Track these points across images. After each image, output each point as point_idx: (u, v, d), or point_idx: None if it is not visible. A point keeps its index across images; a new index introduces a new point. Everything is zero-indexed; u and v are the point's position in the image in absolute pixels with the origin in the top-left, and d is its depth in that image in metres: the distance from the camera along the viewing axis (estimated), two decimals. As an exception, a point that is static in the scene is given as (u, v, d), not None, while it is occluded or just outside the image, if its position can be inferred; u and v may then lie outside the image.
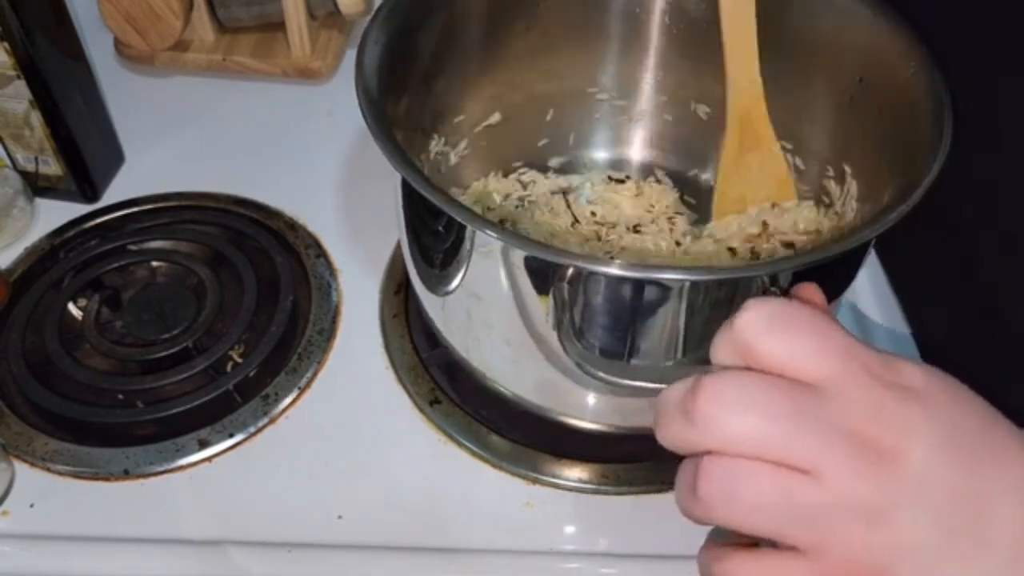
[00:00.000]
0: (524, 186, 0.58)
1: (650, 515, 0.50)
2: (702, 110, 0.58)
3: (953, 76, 0.42)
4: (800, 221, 0.53)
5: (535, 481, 0.51)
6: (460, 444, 0.52)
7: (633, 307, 0.38)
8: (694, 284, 0.37)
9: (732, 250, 0.53)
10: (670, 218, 0.57)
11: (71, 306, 0.58)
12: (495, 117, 0.57)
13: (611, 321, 0.39)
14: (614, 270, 0.35)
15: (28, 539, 0.48)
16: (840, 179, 0.51)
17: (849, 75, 0.49)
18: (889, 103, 0.46)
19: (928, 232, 0.56)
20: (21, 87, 0.58)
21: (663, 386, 0.30)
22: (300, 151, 0.70)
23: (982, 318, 0.51)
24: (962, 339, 0.54)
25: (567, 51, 0.56)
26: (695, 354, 0.41)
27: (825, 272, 0.41)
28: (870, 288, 0.61)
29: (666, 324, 0.39)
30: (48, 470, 0.51)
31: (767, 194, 0.54)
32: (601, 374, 0.36)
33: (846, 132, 0.50)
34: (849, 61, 0.49)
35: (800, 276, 0.39)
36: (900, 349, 0.58)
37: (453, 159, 0.56)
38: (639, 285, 0.37)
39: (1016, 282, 0.48)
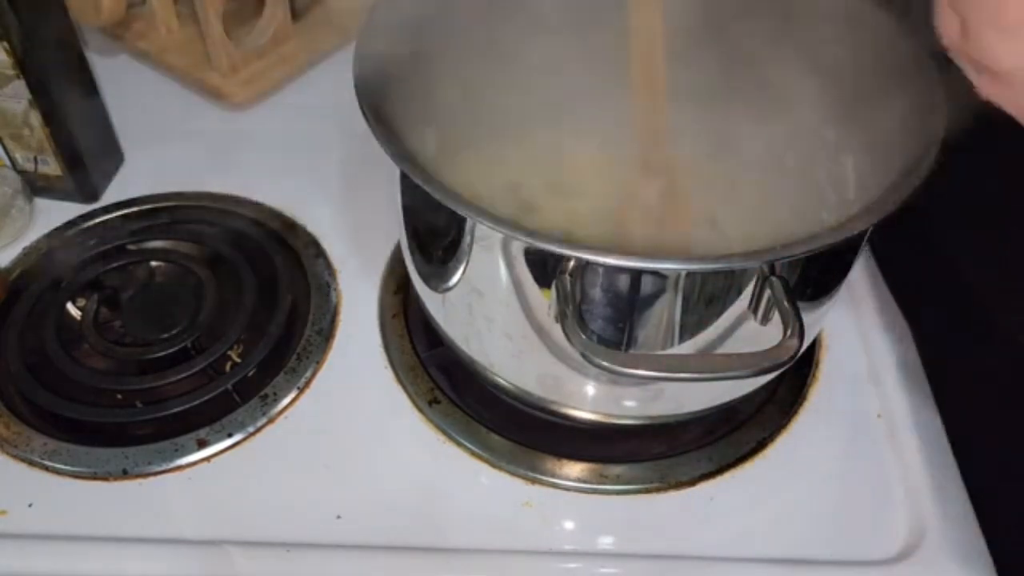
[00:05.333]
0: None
1: (649, 515, 0.50)
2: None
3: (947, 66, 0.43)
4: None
5: (534, 481, 0.51)
6: (459, 444, 0.52)
7: (634, 296, 0.39)
8: (693, 273, 0.38)
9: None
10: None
11: (70, 306, 0.58)
12: (497, 114, 0.57)
13: (613, 311, 0.39)
14: (615, 260, 0.36)
15: (26, 539, 0.48)
16: (838, 172, 0.51)
17: (843, 68, 0.49)
18: (883, 96, 0.46)
19: (924, 232, 0.56)
20: (20, 87, 0.58)
21: (666, 374, 0.30)
22: (299, 151, 0.70)
23: (977, 318, 0.51)
24: (958, 337, 0.54)
25: (570, 44, 0.56)
26: (696, 341, 0.41)
27: (823, 261, 0.41)
28: (870, 289, 0.61)
29: (667, 312, 0.39)
30: (47, 470, 0.51)
31: None
32: (605, 363, 0.36)
33: (842, 125, 0.50)
34: (842, 54, 0.49)
35: (799, 265, 0.39)
36: (900, 348, 0.58)
37: (452, 157, 0.56)
38: (639, 275, 0.38)
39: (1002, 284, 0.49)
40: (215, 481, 0.51)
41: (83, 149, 0.63)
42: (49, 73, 0.59)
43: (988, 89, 0.33)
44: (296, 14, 0.77)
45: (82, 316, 0.58)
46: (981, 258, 0.52)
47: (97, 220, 0.65)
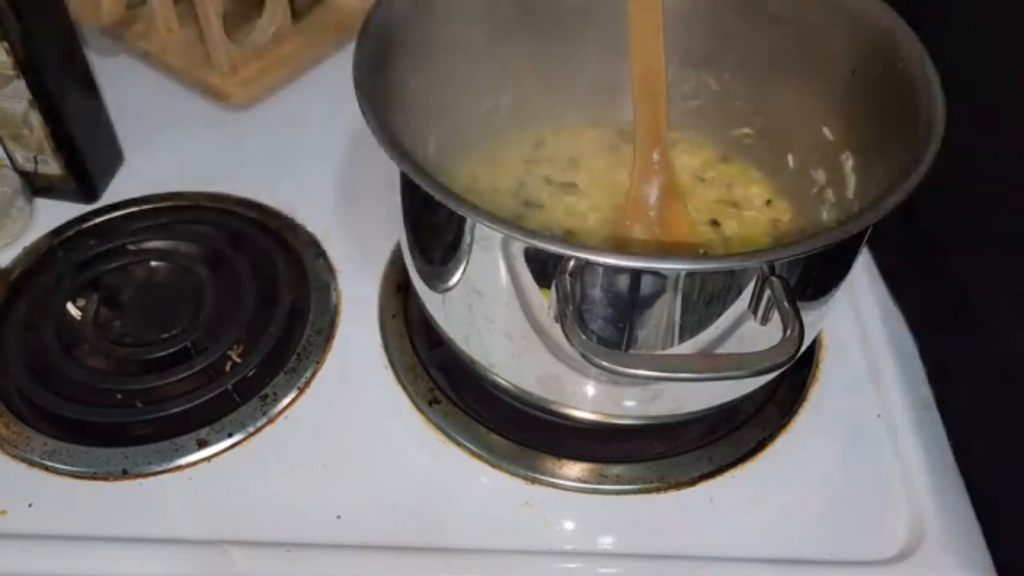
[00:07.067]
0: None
1: (649, 515, 0.50)
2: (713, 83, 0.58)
3: (948, 66, 0.43)
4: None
5: (534, 481, 0.51)
6: (459, 444, 0.52)
7: (634, 296, 0.39)
8: (693, 273, 0.38)
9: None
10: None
11: (70, 306, 0.58)
12: (497, 114, 0.57)
13: (613, 311, 0.39)
14: (614, 260, 0.36)
15: (26, 539, 0.48)
16: (838, 173, 0.51)
17: (842, 68, 0.49)
18: (883, 96, 0.46)
19: (921, 232, 0.56)
20: (20, 87, 0.58)
21: (666, 374, 0.30)
22: (299, 151, 0.70)
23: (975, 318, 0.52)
24: (958, 337, 0.54)
25: (570, 44, 0.56)
26: (696, 341, 0.41)
27: (823, 261, 0.41)
28: (870, 289, 0.61)
29: (667, 312, 0.39)
30: (47, 470, 0.51)
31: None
32: (605, 363, 0.36)
33: (842, 125, 0.50)
34: (841, 54, 0.49)
35: (799, 265, 0.39)
36: (900, 348, 0.58)
37: (452, 157, 0.57)
38: (639, 275, 0.38)
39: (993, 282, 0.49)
40: (215, 481, 0.51)
41: (83, 149, 0.63)
42: (49, 73, 0.59)
43: None
44: (296, 14, 0.77)
45: (82, 316, 0.58)
46: (976, 257, 0.52)
47: (97, 220, 0.65)
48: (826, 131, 0.51)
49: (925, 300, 0.57)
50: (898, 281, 0.61)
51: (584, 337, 0.37)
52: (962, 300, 0.53)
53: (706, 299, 0.39)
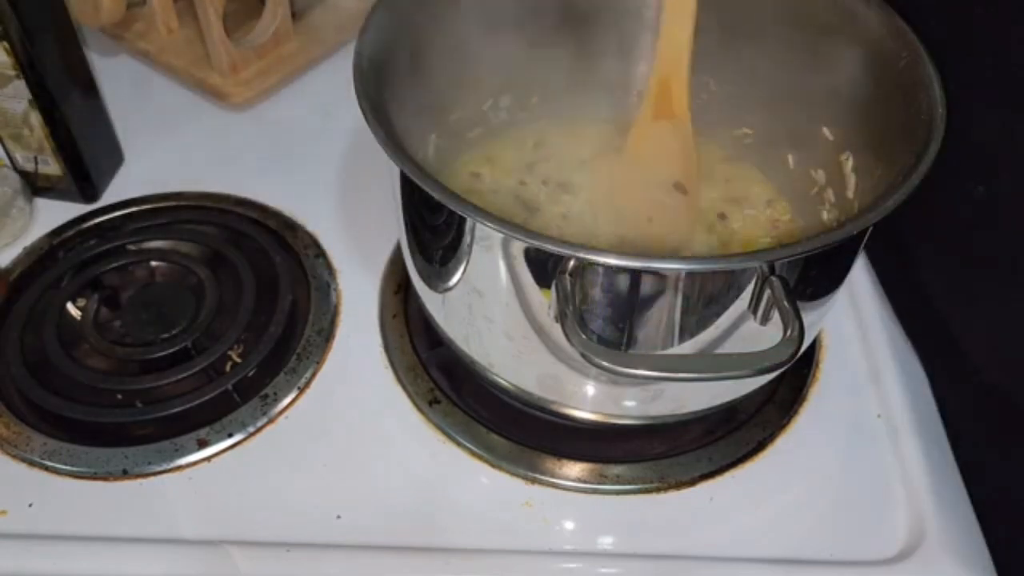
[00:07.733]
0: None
1: (649, 515, 0.50)
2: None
3: (948, 67, 0.43)
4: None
5: (534, 481, 0.51)
6: (459, 444, 0.52)
7: (634, 297, 0.39)
8: (693, 273, 0.38)
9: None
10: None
11: (70, 306, 0.58)
12: (497, 114, 0.57)
13: (613, 311, 0.39)
14: (614, 260, 0.36)
15: (26, 539, 0.48)
16: (838, 173, 0.51)
17: (842, 68, 0.49)
18: (883, 95, 0.46)
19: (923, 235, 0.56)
20: (20, 87, 0.58)
21: (666, 374, 0.30)
22: (299, 151, 0.70)
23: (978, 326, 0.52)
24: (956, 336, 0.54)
25: (570, 44, 0.56)
26: (696, 341, 0.41)
27: (823, 261, 0.41)
28: (870, 289, 0.61)
29: (667, 312, 0.39)
30: (47, 470, 0.51)
31: (670, 170, 0.53)
32: (605, 363, 0.36)
33: (842, 125, 0.50)
34: (841, 54, 0.49)
35: (799, 265, 0.39)
36: (900, 348, 0.58)
37: (452, 157, 0.57)
38: (639, 275, 0.38)
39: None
40: (215, 481, 0.51)
41: (83, 149, 0.63)
42: (49, 73, 0.59)
43: None
44: (296, 14, 0.77)
45: (82, 316, 0.58)
46: (975, 257, 0.52)
47: (97, 220, 0.65)
48: (826, 131, 0.51)
49: (923, 302, 0.57)
50: (894, 282, 0.61)
51: (584, 337, 0.37)
52: (961, 301, 0.53)
53: (706, 299, 0.39)
